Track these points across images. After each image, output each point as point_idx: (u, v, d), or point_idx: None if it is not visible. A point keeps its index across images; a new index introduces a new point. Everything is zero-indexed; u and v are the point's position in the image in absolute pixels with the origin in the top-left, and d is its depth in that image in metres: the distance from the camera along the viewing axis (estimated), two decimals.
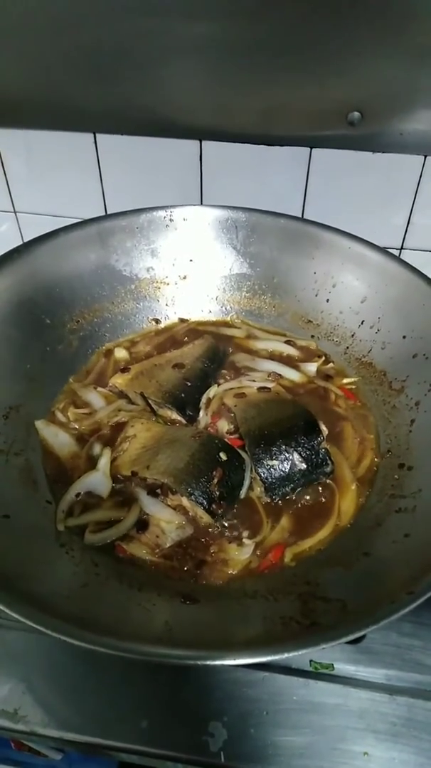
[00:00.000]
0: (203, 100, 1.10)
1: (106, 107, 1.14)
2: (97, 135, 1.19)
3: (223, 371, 1.02)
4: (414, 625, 0.85)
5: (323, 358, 1.05)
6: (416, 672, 0.81)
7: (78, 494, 0.82)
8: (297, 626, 0.61)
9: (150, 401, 0.94)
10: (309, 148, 1.13)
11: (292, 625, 0.61)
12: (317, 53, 0.99)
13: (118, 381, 0.98)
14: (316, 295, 1.07)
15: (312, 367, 1.03)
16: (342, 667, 0.81)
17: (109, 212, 1.28)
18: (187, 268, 1.12)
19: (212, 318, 1.15)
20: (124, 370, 1.00)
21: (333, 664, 0.81)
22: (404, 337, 0.94)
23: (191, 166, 1.19)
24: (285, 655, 0.55)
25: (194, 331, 1.11)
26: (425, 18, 0.91)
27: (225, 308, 1.15)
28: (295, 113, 1.10)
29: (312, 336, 1.08)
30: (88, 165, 1.23)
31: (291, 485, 0.83)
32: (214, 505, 0.78)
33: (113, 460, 0.85)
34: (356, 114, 1.06)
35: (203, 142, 1.16)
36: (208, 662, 0.54)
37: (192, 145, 1.16)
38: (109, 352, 1.07)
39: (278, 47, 0.99)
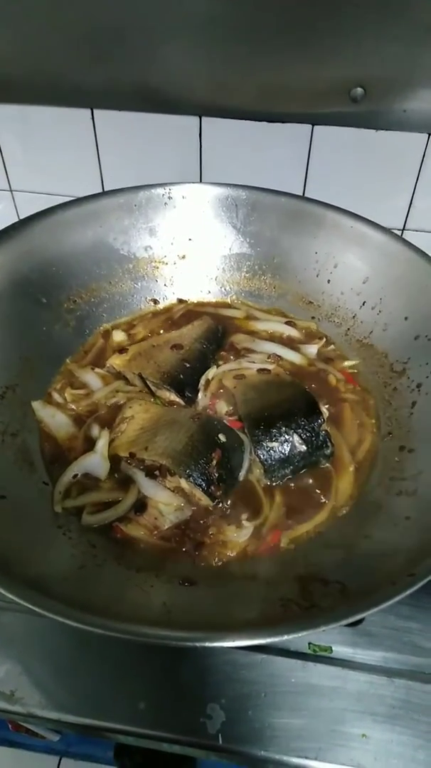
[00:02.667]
0: (203, 76, 1.08)
1: (104, 83, 1.11)
2: (95, 111, 1.16)
3: (223, 352, 1.01)
4: (413, 608, 0.85)
5: (324, 339, 1.04)
6: (414, 655, 0.81)
7: (75, 476, 0.81)
8: (296, 608, 0.60)
9: (148, 382, 0.93)
10: (310, 126, 1.11)
11: (292, 607, 0.60)
12: (319, 29, 0.96)
13: (116, 362, 0.96)
14: (317, 276, 1.05)
15: (312, 349, 1.01)
16: (341, 650, 0.81)
17: (106, 190, 1.25)
18: (185, 248, 1.10)
19: (211, 298, 1.13)
20: (122, 350, 0.98)
21: (331, 647, 0.81)
22: (406, 318, 0.93)
23: (190, 143, 1.17)
24: (285, 637, 0.54)
25: (193, 311, 1.10)
26: None
27: (225, 289, 1.13)
28: (297, 89, 1.07)
29: (313, 317, 1.07)
30: (86, 142, 1.20)
31: (291, 467, 0.83)
32: (212, 487, 0.77)
33: (111, 441, 0.84)
34: (359, 90, 1.03)
35: (203, 119, 1.13)
36: (207, 644, 0.54)
37: (191, 121, 1.14)
38: (107, 333, 1.05)
39: (279, 23, 0.96)
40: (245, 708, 0.75)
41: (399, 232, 1.22)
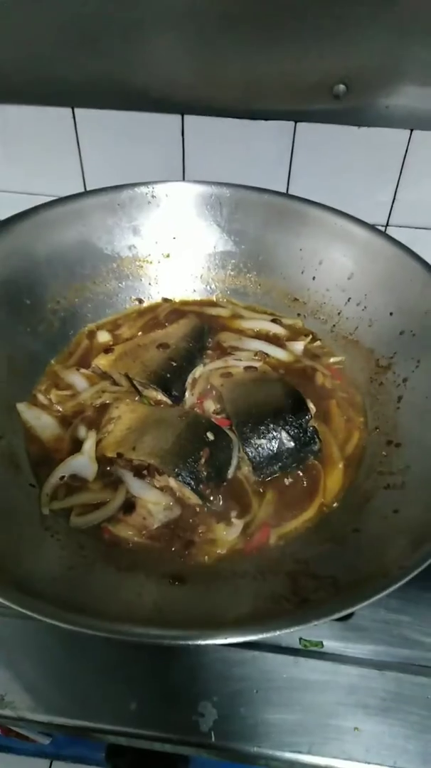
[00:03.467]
0: (185, 73, 1.07)
1: (85, 80, 1.10)
2: (76, 109, 1.15)
3: (209, 351, 1.00)
4: (402, 601, 0.85)
5: (310, 336, 1.04)
6: (404, 647, 0.81)
7: (62, 477, 0.81)
8: (287, 604, 0.60)
9: (135, 382, 0.93)
10: (293, 122, 1.11)
11: (283, 603, 0.61)
12: (301, 25, 0.97)
13: (102, 362, 0.96)
14: (302, 273, 1.05)
15: (299, 346, 1.02)
16: (332, 644, 0.81)
17: (88, 189, 1.24)
18: (170, 246, 1.10)
19: (197, 297, 1.13)
20: (108, 350, 0.97)
21: (322, 642, 0.81)
22: (391, 313, 0.93)
23: (173, 141, 1.16)
24: (277, 633, 0.54)
25: (178, 310, 1.09)
26: None
27: (210, 287, 1.13)
28: (279, 86, 1.07)
29: (299, 314, 1.07)
30: (67, 141, 1.19)
31: (280, 464, 0.83)
32: (201, 486, 0.77)
33: (98, 442, 0.84)
34: (341, 87, 1.04)
35: (185, 117, 1.13)
36: (199, 641, 0.54)
37: (174, 119, 1.13)
38: (91, 333, 1.04)
39: (261, 19, 0.96)
40: (237, 705, 0.75)
41: (383, 228, 1.23)
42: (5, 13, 0.99)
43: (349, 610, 0.56)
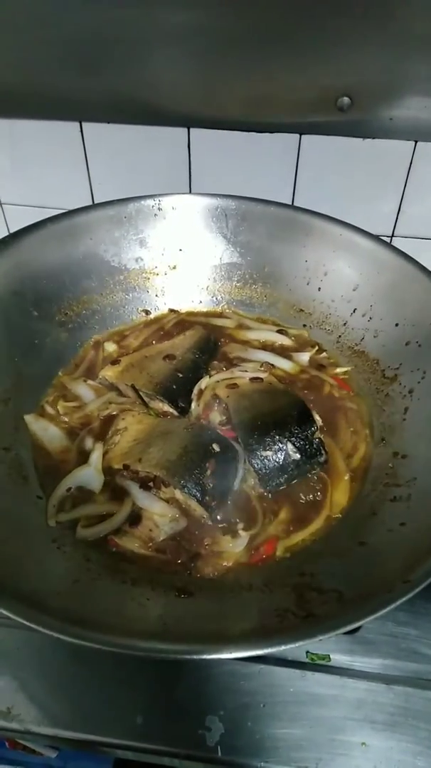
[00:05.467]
0: (191, 88, 1.08)
1: (92, 96, 1.12)
2: (83, 124, 1.16)
3: (215, 362, 1.01)
4: (410, 614, 0.85)
5: (316, 347, 1.04)
6: (412, 661, 0.81)
7: (69, 489, 0.81)
8: (293, 618, 0.60)
9: (141, 393, 0.93)
10: (298, 135, 1.12)
11: (288, 617, 0.60)
12: (306, 39, 0.98)
13: (108, 373, 0.96)
14: (308, 284, 1.06)
15: (304, 357, 1.02)
16: (339, 658, 0.81)
17: (96, 202, 1.26)
18: (176, 258, 1.11)
19: (203, 308, 1.13)
20: (115, 362, 0.98)
21: (329, 655, 0.81)
22: (396, 324, 0.93)
23: (179, 154, 1.17)
24: (282, 648, 0.54)
25: (185, 321, 1.10)
26: (414, 3, 0.90)
27: (216, 298, 1.13)
28: (284, 99, 1.08)
29: (305, 325, 1.07)
30: (75, 154, 1.21)
31: (286, 476, 0.83)
32: (207, 497, 0.77)
33: (104, 454, 0.84)
34: (345, 99, 1.04)
35: (191, 130, 1.14)
36: (204, 656, 0.54)
37: (180, 132, 1.14)
38: (98, 344, 1.05)
39: (266, 33, 0.97)
40: (244, 719, 0.75)
41: (388, 239, 1.23)
42: (16, 32, 1.01)
43: (354, 625, 0.56)
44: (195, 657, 0.54)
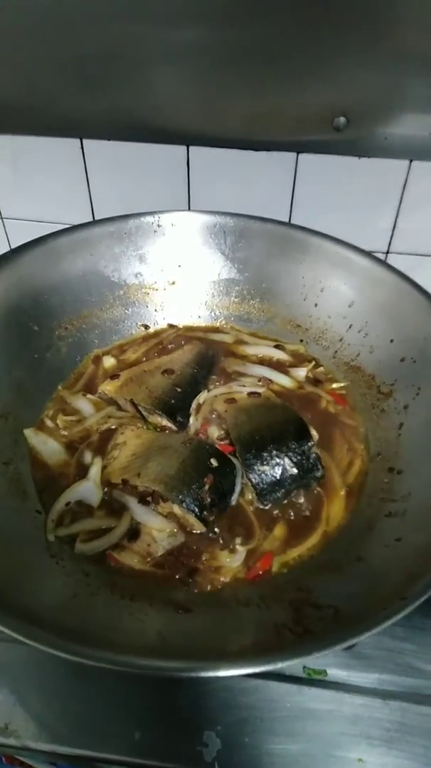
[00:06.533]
0: (190, 106, 1.10)
1: (93, 113, 1.13)
2: (84, 141, 1.18)
3: (213, 377, 1.02)
4: (407, 629, 0.85)
5: (313, 362, 1.05)
6: (409, 676, 0.81)
7: (68, 503, 0.81)
8: (290, 634, 0.60)
9: (140, 408, 0.94)
10: (295, 153, 1.13)
11: (285, 633, 0.61)
12: (303, 59, 1.00)
13: (108, 388, 0.97)
14: (305, 300, 1.07)
15: (301, 372, 1.03)
16: (336, 673, 0.81)
17: (96, 218, 1.27)
18: (175, 274, 1.12)
19: (201, 323, 1.14)
20: (114, 376, 0.99)
21: (326, 670, 0.81)
22: (391, 340, 0.95)
23: (178, 172, 1.19)
24: (279, 666, 0.54)
25: (183, 336, 1.11)
26: (409, 24, 0.92)
27: (215, 313, 1.15)
28: (282, 118, 1.10)
29: (301, 340, 1.08)
30: (75, 171, 1.22)
31: (283, 490, 0.83)
32: (205, 512, 0.78)
33: (103, 468, 0.85)
34: (342, 119, 1.06)
35: (190, 148, 1.16)
36: (201, 674, 0.54)
37: (179, 150, 1.16)
38: (97, 359, 1.06)
39: (264, 53, 0.99)
40: (242, 735, 0.75)
41: (383, 255, 1.25)
42: (17, 49, 1.03)
43: (350, 642, 0.56)
44: (193, 675, 0.55)
